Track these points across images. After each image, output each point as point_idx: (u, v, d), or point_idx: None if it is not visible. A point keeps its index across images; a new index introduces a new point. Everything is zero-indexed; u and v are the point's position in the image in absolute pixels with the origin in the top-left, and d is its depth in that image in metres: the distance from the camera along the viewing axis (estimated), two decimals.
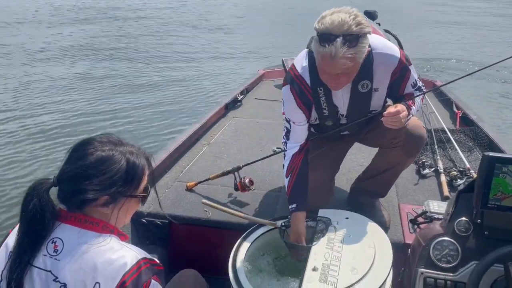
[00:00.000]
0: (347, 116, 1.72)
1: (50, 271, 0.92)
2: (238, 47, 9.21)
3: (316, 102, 1.66)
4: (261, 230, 1.62)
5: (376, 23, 3.14)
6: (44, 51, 8.22)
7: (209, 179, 2.17)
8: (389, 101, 1.78)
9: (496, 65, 1.83)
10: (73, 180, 0.96)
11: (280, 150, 2.47)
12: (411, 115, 1.62)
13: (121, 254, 0.93)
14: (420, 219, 1.81)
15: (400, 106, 1.50)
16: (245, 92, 3.69)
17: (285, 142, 1.74)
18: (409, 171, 2.33)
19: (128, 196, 1.01)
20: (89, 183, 0.94)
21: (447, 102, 3.47)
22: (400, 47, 3.40)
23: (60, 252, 0.93)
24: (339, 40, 1.34)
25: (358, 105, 1.67)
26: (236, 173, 2.08)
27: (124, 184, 0.98)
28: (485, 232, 1.29)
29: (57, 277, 0.91)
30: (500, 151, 2.44)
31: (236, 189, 2.04)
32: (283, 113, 1.74)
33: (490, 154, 1.20)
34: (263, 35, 10.47)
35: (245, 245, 1.54)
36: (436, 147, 2.51)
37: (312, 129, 1.84)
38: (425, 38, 10.42)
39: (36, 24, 10.86)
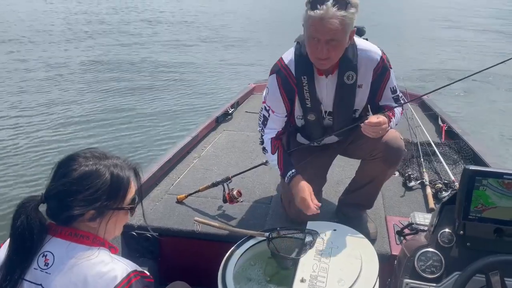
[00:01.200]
0: (334, 114, 1.76)
1: (40, 284, 0.93)
2: (230, 61, 9.28)
3: (299, 91, 1.72)
4: (251, 242, 1.65)
5: (364, 38, 3.23)
6: (34, 68, 8.21)
7: (198, 191, 2.19)
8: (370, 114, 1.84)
9: (482, 75, 1.92)
10: (59, 197, 0.97)
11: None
12: (389, 127, 1.69)
13: (111, 267, 0.94)
14: (406, 231, 1.84)
15: (382, 118, 1.58)
16: (235, 105, 3.73)
17: (262, 129, 1.82)
18: (395, 184, 2.39)
19: (114, 208, 1.02)
20: (73, 199, 0.96)
21: (432, 116, 3.56)
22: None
23: (51, 265, 0.94)
24: (329, 2, 1.45)
25: (343, 99, 1.72)
26: (225, 184, 2.11)
27: (109, 198, 0.99)
28: (468, 243, 1.32)
29: (40, 286, 0.92)
30: (484, 163, 2.51)
31: (225, 200, 2.06)
32: (264, 102, 1.82)
33: (470, 168, 1.24)
34: (254, 49, 10.57)
35: (235, 257, 1.56)
36: (422, 160, 2.57)
37: (298, 136, 1.90)
38: (413, 52, 10.64)
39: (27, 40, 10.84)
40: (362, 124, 1.58)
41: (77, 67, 7.91)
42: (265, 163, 2.35)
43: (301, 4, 1.59)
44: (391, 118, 1.70)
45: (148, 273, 1.00)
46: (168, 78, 7.60)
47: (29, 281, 0.94)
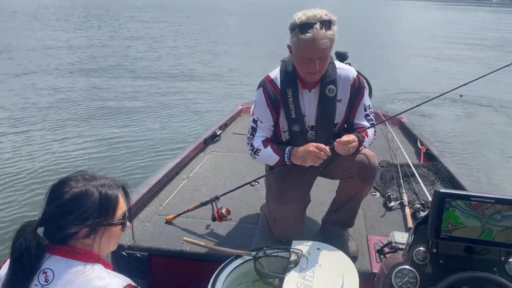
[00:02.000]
0: (316, 127, 1.90)
1: None
2: (217, 83, 9.41)
3: (284, 103, 1.86)
4: (238, 261, 1.71)
5: (347, 63, 3.40)
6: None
7: (187, 211, 2.25)
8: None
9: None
10: (53, 219, 1.05)
11: (257, 183, 2.61)
12: (363, 147, 1.84)
13: (107, 281, 1.01)
14: (386, 249, 1.93)
15: (352, 137, 1.75)
16: (223, 127, 3.82)
17: (250, 139, 1.94)
18: (376, 204, 2.49)
19: (106, 225, 1.09)
20: (66, 219, 1.03)
21: (412, 138, 3.70)
22: (369, 86, 3.70)
23: (51, 281, 1.01)
24: (317, 25, 1.64)
25: (325, 112, 1.87)
26: (213, 203, 2.18)
27: (99, 215, 1.07)
28: (441, 261, 1.41)
29: None
30: (459, 185, 2.64)
31: (214, 219, 2.13)
32: (252, 114, 1.95)
33: (440, 190, 1.35)
34: (242, 70, 10.76)
35: (222, 276, 1.62)
36: (401, 181, 2.69)
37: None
38: (396, 75, 10.98)
39: None
40: (334, 142, 1.73)
41: (64, 94, 7.90)
42: (252, 184, 2.44)
43: (284, 24, 1.75)
44: (365, 137, 1.87)
45: None
46: (156, 100, 7.65)
47: None
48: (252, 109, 1.99)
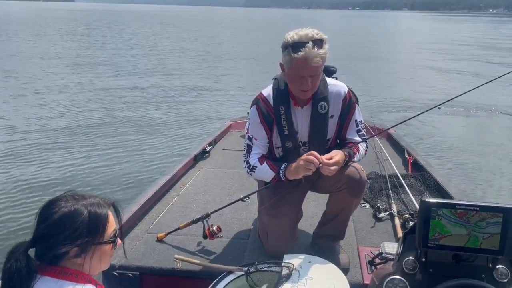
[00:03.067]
0: (309, 143, 1.93)
1: None
2: (206, 99, 9.46)
3: (277, 119, 1.89)
4: (230, 277, 1.71)
5: (334, 77, 3.48)
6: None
7: (178, 228, 2.24)
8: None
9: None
10: (43, 240, 1.05)
11: (247, 198, 2.61)
12: (353, 161, 1.87)
13: None
14: (377, 260, 1.94)
15: (338, 157, 1.77)
16: (213, 143, 3.83)
17: (246, 156, 1.96)
18: (366, 215, 2.52)
19: (96, 243, 1.09)
20: (56, 239, 1.03)
21: (399, 149, 3.76)
22: (356, 99, 3.76)
23: None
24: (309, 44, 1.67)
25: (317, 128, 1.90)
26: (204, 221, 2.17)
27: (89, 234, 1.07)
28: (430, 269, 1.43)
29: None
30: (447, 193, 2.68)
31: (205, 236, 2.13)
32: (247, 132, 1.98)
33: (426, 200, 1.38)
34: (231, 87, 10.84)
35: None
36: (390, 192, 2.72)
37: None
38: (385, 87, 11.17)
39: None
40: (320, 166, 1.74)
41: (53, 110, 7.87)
42: (243, 199, 2.44)
43: (275, 39, 1.79)
44: (355, 153, 1.89)
45: None
46: (145, 116, 7.66)
47: None
48: (246, 126, 2.01)
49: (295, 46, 1.70)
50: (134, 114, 7.86)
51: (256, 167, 1.93)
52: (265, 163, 1.91)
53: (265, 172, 1.91)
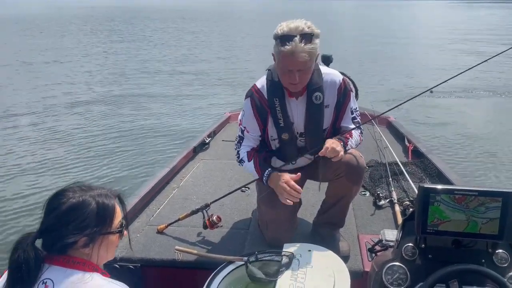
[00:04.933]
0: (305, 133, 1.91)
1: None
2: (205, 90, 9.44)
3: (272, 111, 1.88)
4: (230, 267, 1.72)
5: (331, 66, 3.44)
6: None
7: (178, 219, 2.25)
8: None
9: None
10: (52, 230, 1.06)
11: (247, 188, 2.61)
12: (348, 148, 1.85)
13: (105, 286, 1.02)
14: (377, 248, 1.94)
15: (335, 144, 1.76)
16: (212, 134, 3.83)
17: (237, 147, 1.97)
18: (366, 203, 2.51)
19: (104, 233, 1.10)
20: (65, 229, 1.05)
21: (399, 136, 3.75)
22: (355, 88, 3.74)
23: None
24: (297, 38, 1.63)
25: (313, 119, 1.88)
26: (204, 211, 2.18)
27: (97, 224, 1.08)
28: (429, 255, 1.43)
29: None
30: (447, 180, 2.67)
31: (205, 227, 2.13)
32: (240, 123, 1.97)
33: (424, 186, 1.37)
34: (229, 79, 10.79)
35: (215, 283, 1.62)
36: (390, 179, 2.72)
37: (273, 161, 2.01)
38: (384, 74, 11.10)
39: None
40: (320, 153, 1.74)
41: (55, 107, 7.86)
42: (242, 190, 2.44)
43: (271, 31, 1.77)
44: (348, 139, 1.88)
45: None
46: (143, 110, 7.65)
47: None
48: (239, 117, 2.00)
49: (283, 38, 1.66)
50: (132, 106, 7.85)
51: (243, 161, 1.94)
52: (252, 161, 1.90)
53: (251, 170, 1.92)
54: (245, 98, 1.93)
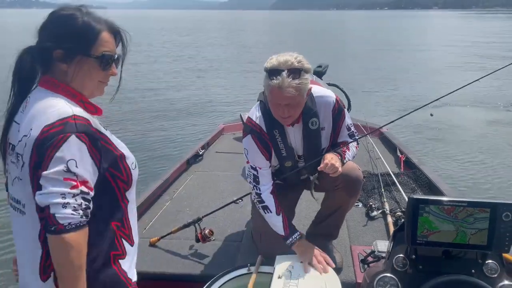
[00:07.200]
0: (304, 156, 1.91)
1: (18, 124, 1.07)
2: (198, 102, 9.46)
3: (274, 145, 1.86)
4: (223, 280, 1.71)
5: (324, 79, 3.48)
6: None
7: (171, 232, 2.24)
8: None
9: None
10: (39, 33, 1.09)
11: (241, 200, 2.61)
12: (346, 160, 1.86)
13: (59, 107, 1.01)
14: (370, 259, 1.95)
15: (333, 160, 1.75)
16: (206, 146, 3.83)
17: (256, 187, 1.87)
18: (359, 214, 2.52)
19: (82, 54, 1.07)
20: (46, 34, 1.08)
21: (392, 148, 3.78)
22: (348, 100, 3.76)
23: (25, 107, 1.07)
24: (284, 73, 1.61)
25: (312, 143, 1.88)
26: (196, 225, 2.18)
27: (76, 41, 1.06)
28: (420, 266, 1.44)
29: (19, 125, 1.06)
30: (438, 190, 2.69)
31: (197, 240, 2.12)
32: (248, 162, 1.89)
33: (414, 197, 1.39)
34: (222, 91, 10.83)
35: None
36: (382, 190, 2.73)
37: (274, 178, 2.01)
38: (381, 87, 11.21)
39: None
40: (319, 168, 1.74)
41: None
42: (236, 202, 2.44)
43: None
44: (346, 152, 1.88)
45: (96, 126, 1.08)
46: (137, 121, 7.64)
47: (15, 122, 1.09)
48: (244, 155, 1.92)
49: (271, 72, 1.65)
50: (125, 117, 7.83)
51: (270, 211, 1.83)
52: (281, 216, 1.83)
53: (277, 226, 1.83)
54: (245, 136, 1.88)
